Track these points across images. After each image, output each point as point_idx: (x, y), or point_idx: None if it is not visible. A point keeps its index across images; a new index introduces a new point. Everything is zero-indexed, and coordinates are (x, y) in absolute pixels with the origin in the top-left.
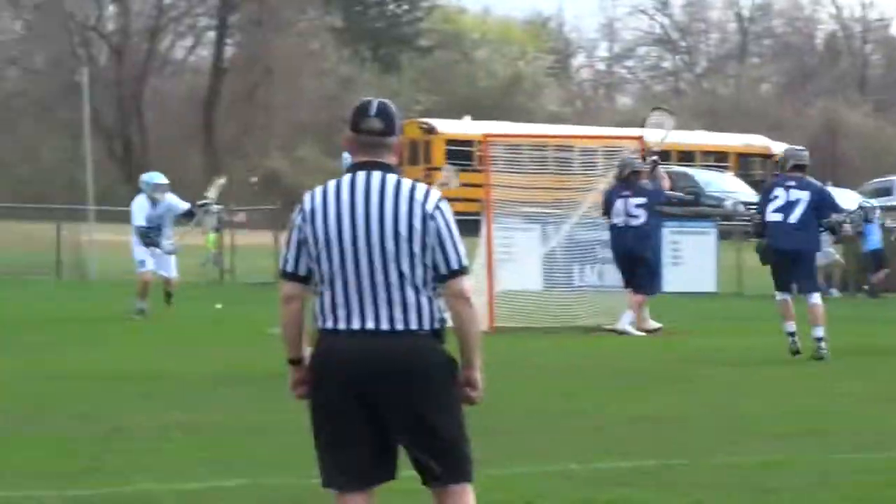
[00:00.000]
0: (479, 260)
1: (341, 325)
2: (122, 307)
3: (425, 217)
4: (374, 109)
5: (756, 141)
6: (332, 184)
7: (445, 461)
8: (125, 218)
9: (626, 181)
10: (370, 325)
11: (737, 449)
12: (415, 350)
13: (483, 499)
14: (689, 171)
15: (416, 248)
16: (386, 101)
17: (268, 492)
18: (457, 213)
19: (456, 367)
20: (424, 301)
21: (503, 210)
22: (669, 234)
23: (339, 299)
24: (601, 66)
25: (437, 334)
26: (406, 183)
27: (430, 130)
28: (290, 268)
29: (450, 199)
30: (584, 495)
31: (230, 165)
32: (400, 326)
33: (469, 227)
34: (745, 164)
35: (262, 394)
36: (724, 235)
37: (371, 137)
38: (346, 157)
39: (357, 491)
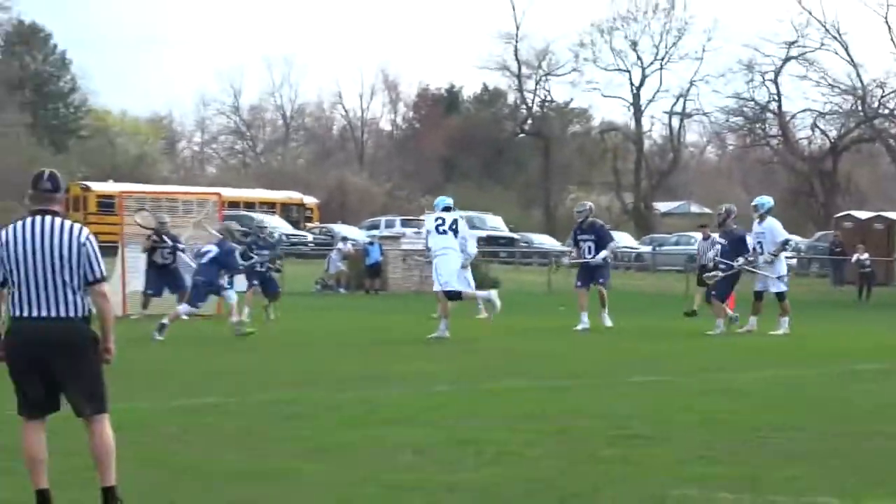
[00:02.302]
0: (116, 271)
1: (25, 314)
2: None
3: (80, 245)
4: (46, 176)
5: (294, 195)
6: (20, 223)
7: (90, 399)
8: None
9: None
10: (44, 313)
11: (269, 389)
12: (71, 330)
13: (114, 424)
14: (251, 213)
15: (74, 264)
16: (54, 171)
17: None
18: (102, 242)
19: (97, 340)
20: (79, 299)
21: (132, 239)
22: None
23: (24, 297)
24: (196, 148)
25: (86, 319)
26: (67, 223)
27: (87, 189)
28: None
29: (97, 232)
30: (181, 421)
31: None
32: (63, 314)
33: (110, 250)
34: (286, 209)
35: None
36: None
37: (45, 194)
38: None
39: (36, 418)
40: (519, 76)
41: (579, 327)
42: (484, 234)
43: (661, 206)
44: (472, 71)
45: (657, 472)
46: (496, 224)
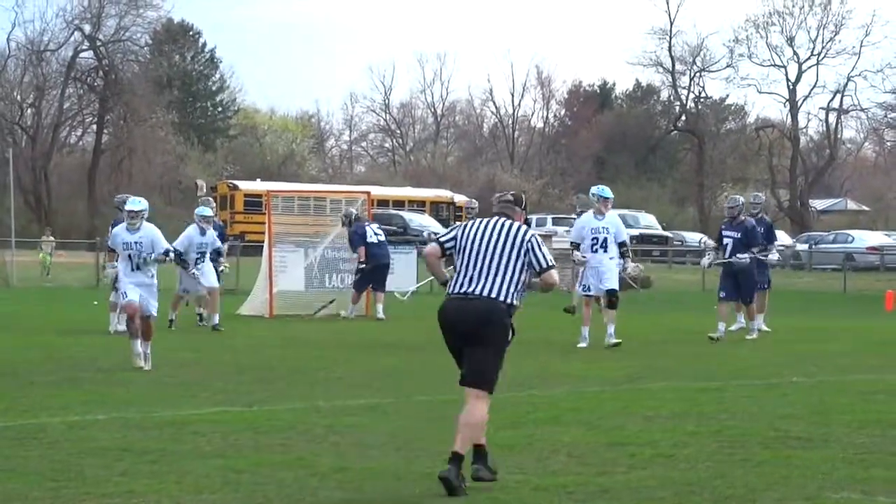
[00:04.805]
0: (262, 270)
1: (456, 290)
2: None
3: (523, 240)
4: (511, 192)
5: (443, 193)
6: (480, 219)
7: (477, 372)
8: (34, 245)
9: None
10: (469, 289)
11: (429, 390)
12: (488, 305)
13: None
14: (401, 212)
15: (514, 254)
16: (517, 192)
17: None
18: (250, 241)
19: (509, 327)
20: (508, 287)
21: (279, 238)
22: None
23: (462, 276)
24: (344, 146)
25: (509, 309)
26: (516, 224)
27: (234, 188)
28: (441, 238)
29: (245, 231)
30: (329, 422)
31: (106, 211)
32: (485, 294)
33: (258, 249)
34: (435, 208)
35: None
36: (420, 254)
37: (505, 203)
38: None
39: (464, 386)
40: (673, 72)
41: (734, 327)
42: (637, 232)
43: (818, 204)
44: (625, 67)
45: (814, 474)
46: (649, 222)
